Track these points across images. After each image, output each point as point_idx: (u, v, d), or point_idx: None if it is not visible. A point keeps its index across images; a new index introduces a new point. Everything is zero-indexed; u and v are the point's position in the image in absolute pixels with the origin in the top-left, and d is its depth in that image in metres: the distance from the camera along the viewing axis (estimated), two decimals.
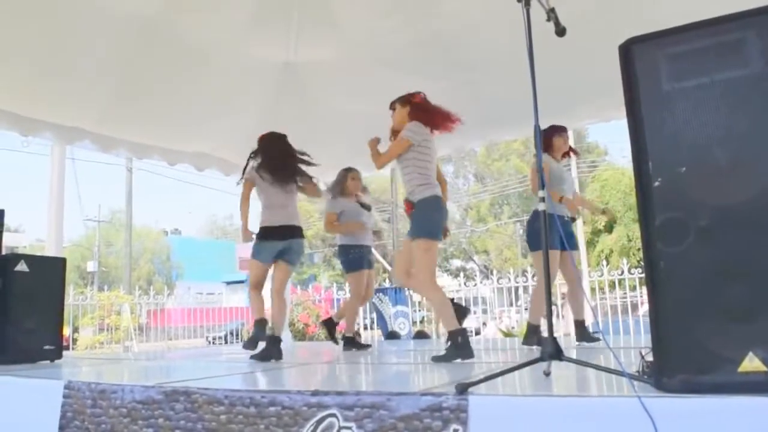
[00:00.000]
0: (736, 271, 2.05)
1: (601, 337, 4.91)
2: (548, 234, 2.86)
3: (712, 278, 2.08)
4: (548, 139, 5.28)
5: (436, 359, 4.04)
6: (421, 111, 4.47)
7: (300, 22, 5.87)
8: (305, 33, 6.00)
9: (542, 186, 2.75)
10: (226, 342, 16.71)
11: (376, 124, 6.91)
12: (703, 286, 2.08)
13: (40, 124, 6.04)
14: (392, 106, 4.63)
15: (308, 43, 6.12)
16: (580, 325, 5.14)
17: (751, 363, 1.97)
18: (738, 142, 2.10)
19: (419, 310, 13.60)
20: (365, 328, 12.64)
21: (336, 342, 6.41)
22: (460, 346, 4.03)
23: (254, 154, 5.32)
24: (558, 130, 5.36)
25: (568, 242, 4.91)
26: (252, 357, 4.85)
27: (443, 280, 27.48)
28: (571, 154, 5.68)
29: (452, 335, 4.10)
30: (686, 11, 2.68)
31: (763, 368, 1.95)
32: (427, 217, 4.31)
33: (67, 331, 12.24)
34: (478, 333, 16.35)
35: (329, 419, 2.43)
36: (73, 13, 5.05)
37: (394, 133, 4.59)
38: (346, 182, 6.14)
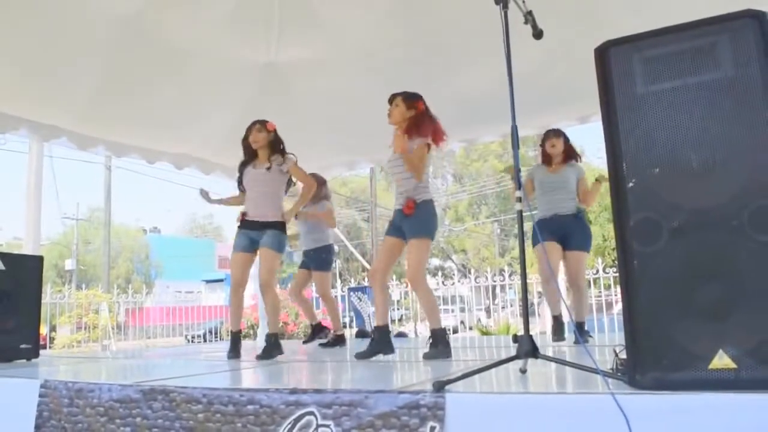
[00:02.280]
0: (708, 271, 2.10)
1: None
2: (522, 234, 2.89)
3: (685, 278, 2.12)
4: (542, 149, 5.41)
5: (427, 356, 4.18)
6: (418, 122, 4.41)
7: (281, 22, 5.86)
8: (286, 33, 5.99)
9: (519, 186, 2.78)
10: (205, 341, 16.62)
11: (357, 124, 6.97)
12: (676, 286, 2.13)
13: (17, 120, 5.99)
14: (392, 99, 4.51)
15: (290, 43, 6.11)
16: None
17: (720, 360, 2.02)
18: (710, 145, 2.15)
19: (398, 309, 13.62)
20: (343, 326, 12.61)
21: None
22: (443, 343, 4.23)
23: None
24: (545, 137, 5.39)
25: (566, 241, 5.12)
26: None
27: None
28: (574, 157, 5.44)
29: (435, 333, 4.26)
30: (662, 15, 2.72)
31: (732, 365, 2.00)
32: (431, 218, 4.40)
33: (44, 329, 12.13)
34: (455, 331, 16.42)
35: (307, 417, 2.45)
36: (54, 12, 5.01)
37: (406, 127, 4.44)
38: None
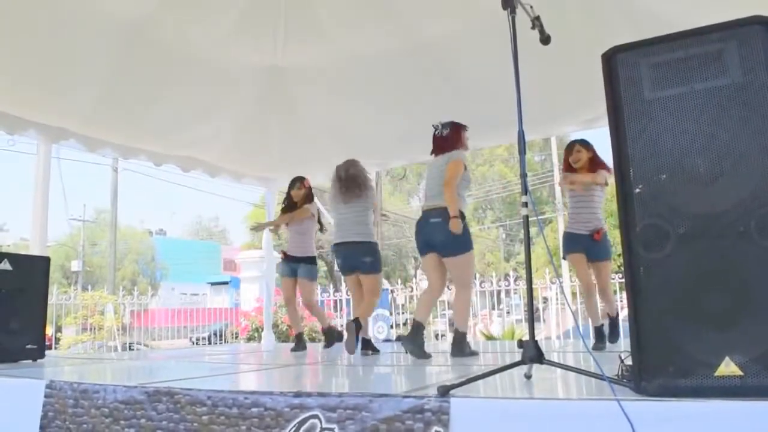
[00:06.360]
0: (714, 277, 2.09)
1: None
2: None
3: (691, 284, 2.11)
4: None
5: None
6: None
7: (287, 28, 5.88)
8: (292, 39, 6.01)
9: (525, 191, 2.77)
10: (209, 343, 16.61)
11: (361, 129, 6.96)
12: (682, 292, 2.12)
13: (25, 123, 6.00)
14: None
15: (295, 49, 6.13)
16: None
17: (727, 367, 2.01)
18: (718, 151, 2.14)
19: (402, 313, 13.61)
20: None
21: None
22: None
23: None
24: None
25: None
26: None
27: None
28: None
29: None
30: (669, 21, 2.72)
31: (738, 372, 1.99)
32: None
33: (49, 330, 12.14)
34: None
35: (312, 420, 2.44)
36: (63, 15, 5.03)
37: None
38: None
